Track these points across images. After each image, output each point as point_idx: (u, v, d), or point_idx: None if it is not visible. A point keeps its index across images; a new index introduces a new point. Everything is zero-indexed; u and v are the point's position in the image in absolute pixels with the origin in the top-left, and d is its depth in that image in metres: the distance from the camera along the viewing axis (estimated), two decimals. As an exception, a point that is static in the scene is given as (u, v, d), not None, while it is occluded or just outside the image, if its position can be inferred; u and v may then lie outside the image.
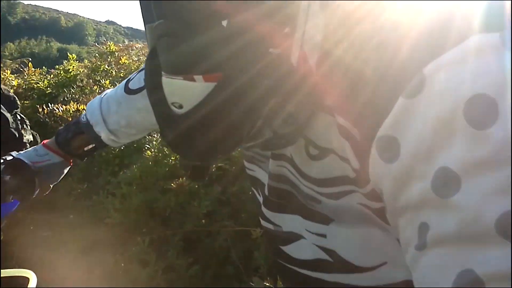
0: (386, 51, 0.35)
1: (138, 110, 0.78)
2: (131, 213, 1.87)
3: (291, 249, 0.58)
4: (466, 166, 0.30)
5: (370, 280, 0.51)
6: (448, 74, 0.31)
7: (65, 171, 0.85)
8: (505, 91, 0.29)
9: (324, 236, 0.52)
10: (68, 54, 3.44)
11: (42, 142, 0.84)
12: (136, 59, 3.53)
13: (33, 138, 1.67)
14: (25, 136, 1.62)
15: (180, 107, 0.43)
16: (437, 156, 0.32)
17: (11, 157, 0.79)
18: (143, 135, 0.86)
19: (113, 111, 0.79)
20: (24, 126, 1.63)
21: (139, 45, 4.03)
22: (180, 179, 1.87)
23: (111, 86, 2.81)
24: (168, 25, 0.41)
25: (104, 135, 0.80)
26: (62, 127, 0.85)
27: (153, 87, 0.45)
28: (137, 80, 0.79)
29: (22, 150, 1.71)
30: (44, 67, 3.84)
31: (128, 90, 0.79)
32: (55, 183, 0.84)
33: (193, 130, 0.44)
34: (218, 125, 0.43)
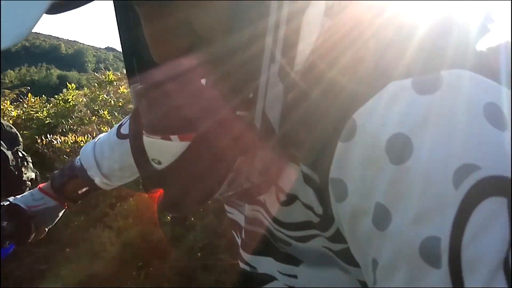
0: (327, 101, 0.40)
1: (130, 154, 0.80)
2: (127, 247, 1.87)
3: None
4: (391, 198, 0.34)
5: None
6: (372, 118, 0.35)
7: (60, 214, 0.87)
8: (418, 128, 0.33)
9: (295, 277, 0.56)
10: (68, 83, 3.49)
11: (38, 186, 0.86)
12: (135, 88, 3.56)
13: (35, 176, 1.68)
14: (25, 173, 1.63)
15: (159, 163, 0.47)
16: (373, 193, 0.35)
17: (8, 202, 0.81)
18: (135, 177, 0.89)
19: (106, 156, 0.82)
20: (25, 163, 1.64)
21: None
22: (177, 211, 1.88)
23: (109, 116, 2.84)
24: (148, 90, 0.46)
25: (97, 179, 0.82)
26: (57, 171, 0.87)
27: (136, 144, 0.50)
28: (128, 126, 0.82)
29: (22, 187, 1.71)
30: (44, 95, 3.88)
31: (120, 135, 0.82)
32: (50, 226, 0.86)
33: (170, 183, 0.48)
34: (192, 179, 0.47)
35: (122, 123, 0.84)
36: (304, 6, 0.40)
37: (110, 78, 3.49)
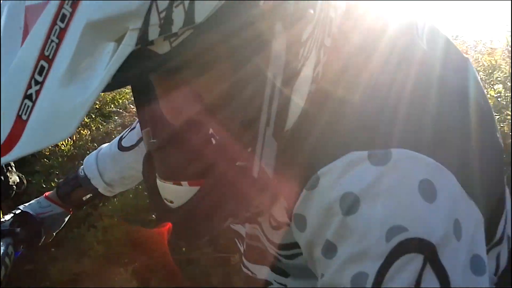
0: (303, 157, 0.50)
1: (130, 165, 0.90)
2: (112, 245, 1.94)
3: None
4: (338, 238, 0.45)
5: None
6: (332, 177, 0.46)
7: (66, 219, 0.96)
8: (366, 191, 0.44)
9: (285, 285, 0.67)
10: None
11: (45, 195, 0.95)
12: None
13: (19, 179, 1.74)
14: (10, 178, 1.69)
15: (171, 202, 0.55)
16: (325, 230, 0.46)
17: (19, 211, 0.90)
18: (135, 184, 0.99)
19: (108, 166, 0.91)
20: (9, 168, 1.70)
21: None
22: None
23: (88, 119, 2.87)
24: (160, 143, 0.56)
25: (101, 187, 0.92)
26: (62, 180, 0.96)
27: (149, 185, 0.58)
28: (129, 138, 0.92)
29: (9, 192, 1.77)
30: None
31: (121, 147, 0.91)
32: (57, 230, 0.95)
33: (182, 219, 0.56)
34: (201, 217, 0.56)
35: (122, 136, 0.93)
36: (293, 78, 0.48)
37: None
